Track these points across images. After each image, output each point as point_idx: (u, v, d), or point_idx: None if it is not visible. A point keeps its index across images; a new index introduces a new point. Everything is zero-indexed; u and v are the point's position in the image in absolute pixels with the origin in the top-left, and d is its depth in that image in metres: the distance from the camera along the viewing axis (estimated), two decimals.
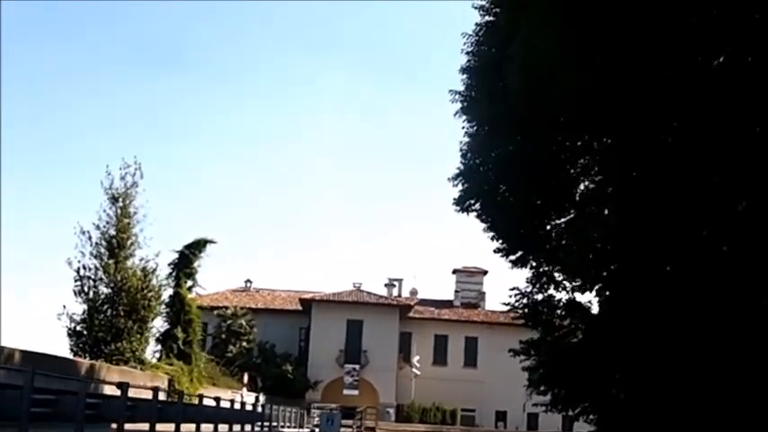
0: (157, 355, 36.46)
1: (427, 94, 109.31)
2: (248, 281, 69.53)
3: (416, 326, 63.47)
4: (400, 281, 68.27)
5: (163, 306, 33.32)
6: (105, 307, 30.90)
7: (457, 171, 23.89)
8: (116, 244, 30.66)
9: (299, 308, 62.33)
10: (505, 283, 60.10)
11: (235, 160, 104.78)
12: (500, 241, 27.78)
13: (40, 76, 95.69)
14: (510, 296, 28.83)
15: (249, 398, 42.86)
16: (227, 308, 59.39)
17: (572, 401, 28.26)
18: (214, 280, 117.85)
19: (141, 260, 31.93)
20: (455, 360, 64.11)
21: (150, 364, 33.41)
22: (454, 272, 69.36)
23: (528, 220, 26.66)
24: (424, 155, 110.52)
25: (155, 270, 31.93)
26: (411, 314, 63.39)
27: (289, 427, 37.11)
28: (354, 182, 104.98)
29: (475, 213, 24.87)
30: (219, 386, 44.02)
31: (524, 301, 28.87)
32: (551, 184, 25.55)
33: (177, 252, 37.44)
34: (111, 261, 30.60)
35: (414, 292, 68.64)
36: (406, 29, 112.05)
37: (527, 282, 28.96)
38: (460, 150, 23.75)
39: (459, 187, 24.19)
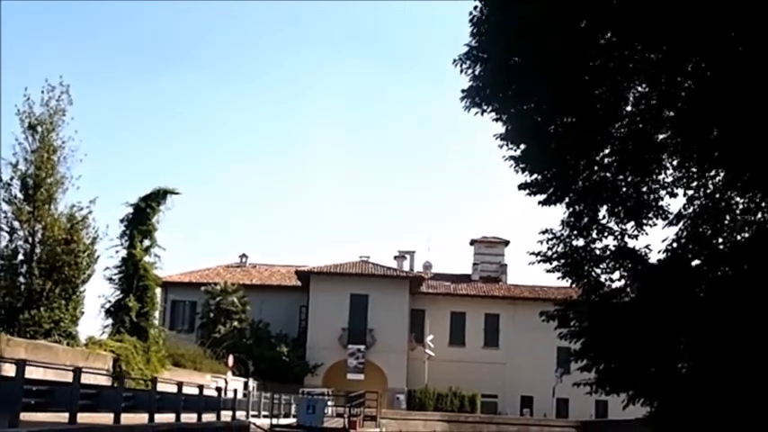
0: (108, 330, 29.91)
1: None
2: (243, 255, 63.16)
3: (430, 302, 58.15)
4: (412, 253, 62.15)
5: (97, 265, 26.63)
6: (25, 267, 24.30)
7: (466, 49, 16.84)
8: (32, 184, 23.98)
9: (300, 284, 56.18)
10: (529, 255, 54.06)
11: (237, 141, 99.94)
12: (526, 169, 21.25)
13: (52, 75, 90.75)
14: (540, 242, 22.29)
15: (236, 383, 37.16)
16: (216, 284, 53.00)
17: (625, 379, 21.75)
18: (205, 255, 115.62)
19: (73, 207, 25.29)
20: (474, 340, 58.46)
21: (91, 340, 26.81)
22: (472, 243, 63.92)
23: (564, 135, 20.14)
24: (436, 131, 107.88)
25: (85, 219, 25.20)
26: (424, 289, 57.95)
27: (266, 417, 30.33)
28: (363, 156, 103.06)
29: (493, 114, 17.94)
30: (202, 370, 38.86)
31: (560, 248, 22.30)
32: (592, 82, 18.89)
33: (131, 205, 30.78)
34: (26, 206, 23.93)
35: (427, 266, 62.80)
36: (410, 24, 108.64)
37: (562, 224, 22.51)
38: (470, 21, 16.72)
39: (470, 74, 17.14)
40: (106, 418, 15.95)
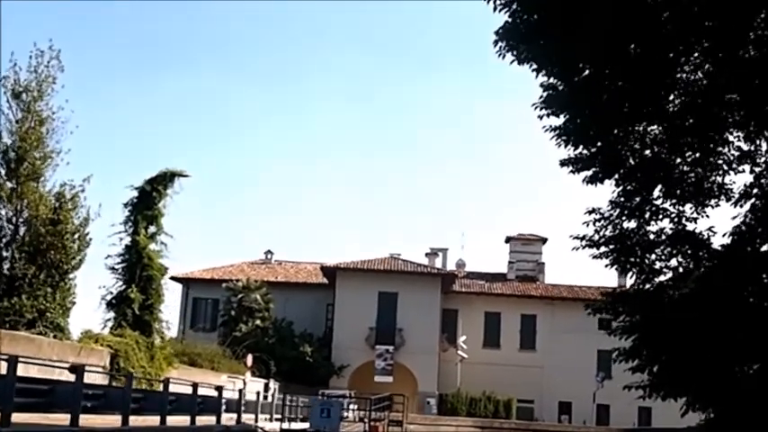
0: (110, 324, 27.60)
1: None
2: (269, 252, 60.87)
3: (463, 301, 55.42)
4: (444, 251, 59.51)
5: (89, 249, 24.19)
6: (10, 250, 21.95)
7: None
8: (15, 157, 21.63)
9: (327, 281, 53.80)
10: (568, 252, 51.70)
11: (261, 139, 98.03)
12: (569, 142, 18.70)
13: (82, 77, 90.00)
14: (586, 224, 19.70)
15: (255, 384, 34.98)
16: (237, 280, 50.71)
17: (683, 382, 19.06)
18: (231, 252, 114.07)
19: (63, 185, 22.94)
20: (509, 342, 55.76)
21: (86, 334, 24.38)
22: (507, 240, 61.10)
23: (612, 102, 17.59)
24: (470, 127, 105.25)
25: (75, 197, 22.81)
26: (457, 287, 55.27)
27: (277, 420, 27.81)
28: (392, 153, 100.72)
29: (532, 63, 15.21)
30: (220, 370, 36.85)
31: (608, 231, 19.64)
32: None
33: (136, 189, 28.42)
34: (9, 183, 21.60)
35: (460, 264, 60.17)
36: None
37: (611, 204, 19.90)
38: None
39: (506, 12, 14.44)
40: (64, 419, 13.45)
